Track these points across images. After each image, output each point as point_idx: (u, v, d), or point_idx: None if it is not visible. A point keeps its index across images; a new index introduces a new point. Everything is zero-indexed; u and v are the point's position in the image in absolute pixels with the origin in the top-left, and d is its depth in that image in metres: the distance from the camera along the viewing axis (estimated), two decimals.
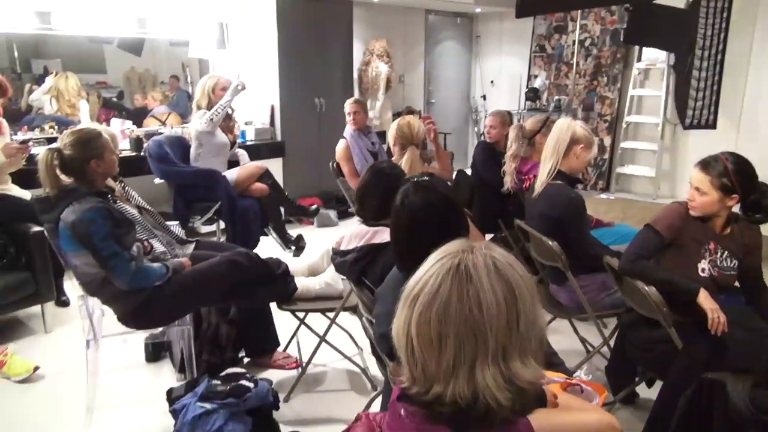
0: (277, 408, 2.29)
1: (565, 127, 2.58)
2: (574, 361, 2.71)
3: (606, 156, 6.82)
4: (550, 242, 2.44)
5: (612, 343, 2.58)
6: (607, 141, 6.80)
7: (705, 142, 6.15)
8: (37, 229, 3.15)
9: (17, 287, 3.13)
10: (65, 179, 2.23)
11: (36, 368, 2.80)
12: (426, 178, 1.56)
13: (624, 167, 6.75)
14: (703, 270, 2.10)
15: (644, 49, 6.36)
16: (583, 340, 2.96)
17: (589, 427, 1.54)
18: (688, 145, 6.41)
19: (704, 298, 1.97)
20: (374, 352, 2.31)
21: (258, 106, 5.50)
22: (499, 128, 3.84)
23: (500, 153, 3.68)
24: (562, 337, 3.04)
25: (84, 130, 2.30)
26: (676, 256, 2.11)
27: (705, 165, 2.06)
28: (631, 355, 2.28)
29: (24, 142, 3.46)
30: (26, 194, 3.37)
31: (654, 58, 6.30)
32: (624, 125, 6.65)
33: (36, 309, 3.34)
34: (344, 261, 2.12)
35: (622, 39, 6.42)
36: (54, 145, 2.26)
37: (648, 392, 2.55)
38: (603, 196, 6.66)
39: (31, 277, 3.19)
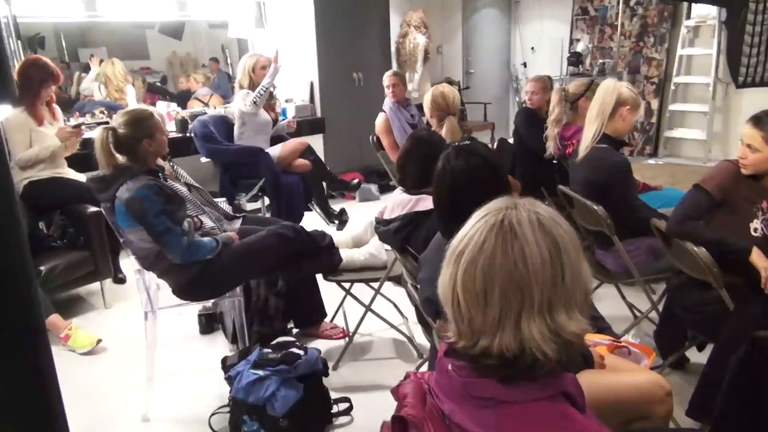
0: (327, 375, 2.36)
1: (610, 88, 2.51)
2: (622, 327, 2.68)
3: (653, 120, 6.60)
4: (595, 206, 2.40)
5: (660, 307, 2.54)
6: (655, 104, 6.58)
7: (760, 100, 5.85)
8: (93, 209, 3.29)
9: (77, 265, 3.29)
10: (119, 158, 2.33)
11: (99, 341, 2.96)
12: (467, 142, 1.56)
13: (672, 131, 6.53)
14: (755, 230, 2.03)
15: (693, 5, 6.09)
16: (630, 306, 2.92)
17: (638, 386, 1.55)
18: (742, 104, 6.14)
19: (757, 257, 1.92)
20: (420, 320, 2.35)
21: (297, 83, 5.54)
22: (541, 94, 3.77)
23: (542, 119, 3.62)
24: (609, 303, 3.00)
25: (137, 110, 2.39)
26: (727, 217, 2.05)
27: (757, 120, 1.98)
28: (681, 318, 2.24)
29: (77, 126, 3.59)
30: (81, 177, 3.52)
31: (704, 14, 6.03)
32: (672, 87, 6.42)
33: (95, 286, 3.51)
34: (387, 230, 2.15)
35: None
36: (109, 125, 2.36)
37: (698, 356, 2.51)
38: (651, 161, 6.47)
39: (90, 256, 3.35)
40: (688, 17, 6.21)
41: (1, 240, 0.75)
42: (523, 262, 0.87)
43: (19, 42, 4.05)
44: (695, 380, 2.33)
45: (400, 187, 2.27)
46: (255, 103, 3.80)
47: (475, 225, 0.92)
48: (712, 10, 5.90)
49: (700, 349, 2.46)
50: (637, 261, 2.49)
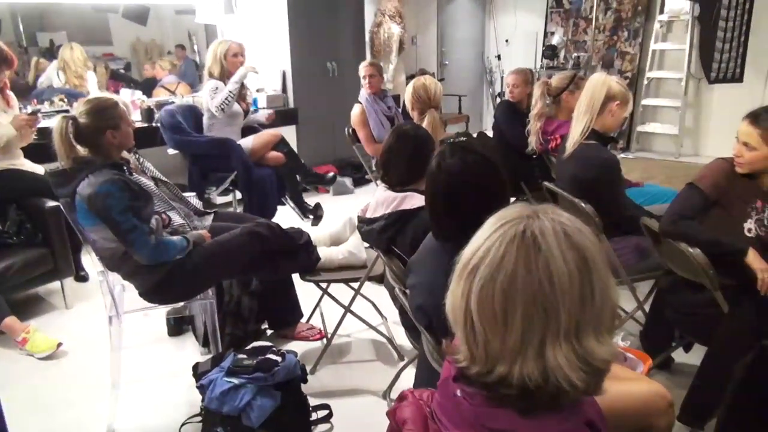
0: (305, 381, 2.24)
1: (600, 82, 2.44)
2: None
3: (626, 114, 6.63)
4: (583, 204, 2.33)
5: (647, 307, 2.49)
6: None
7: (731, 96, 5.95)
8: (52, 204, 3.09)
9: (36, 263, 3.09)
10: (80, 150, 2.15)
11: (59, 344, 2.78)
12: (463, 138, 1.45)
13: (645, 125, 6.56)
14: (749, 230, 1.99)
15: (667, 0, 6.11)
16: None
17: (640, 397, 1.47)
18: (713, 100, 6.21)
19: (753, 258, 1.87)
20: (404, 323, 2.25)
21: (269, 72, 5.35)
22: (522, 87, 3.69)
23: (523, 112, 3.54)
24: None
25: (100, 99, 2.20)
26: (721, 216, 2.00)
27: (755, 117, 1.93)
28: (671, 320, 2.19)
29: (33, 113, 3.37)
30: (39, 169, 3.30)
31: (678, 9, 6.05)
32: (645, 81, 6.44)
33: (56, 285, 3.30)
34: (371, 229, 2.04)
35: None
36: (69, 113, 2.17)
37: (684, 357, 2.48)
38: (623, 155, 6.49)
39: (49, 253, 3.15)
40: (662, 12, 6.22)
41: None
42: (549, 279, 0.76)
43: None
44: (681, 381, 2.30)
45: (383, 184, 2.15)
46: (222, 109, 3.65)
47: (492, 236, 0.81)
48: (685, 5, 5.92)
49: (687, 349, 2.42)
50: (624, 260, 2.44)
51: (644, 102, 6.49)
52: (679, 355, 2.50)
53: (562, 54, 6.79)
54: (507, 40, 7.58)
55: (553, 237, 0.78)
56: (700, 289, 1.96)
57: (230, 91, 3.66)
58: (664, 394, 1.48)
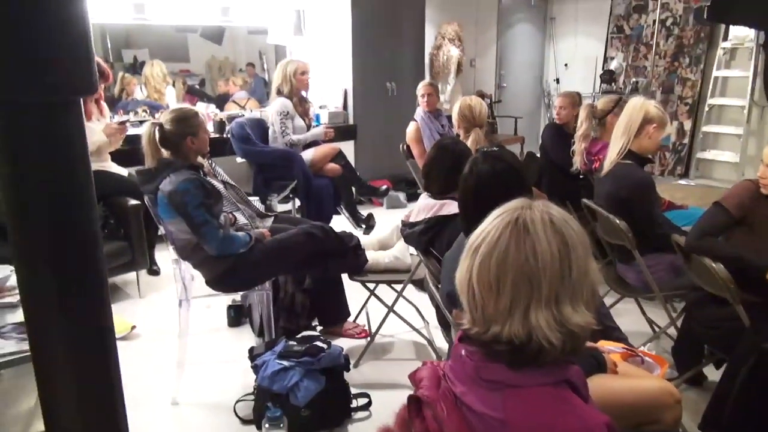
0: (348, 369, 2.45)
1: (638, 106, 2.57)
2: (641, 341, 2.71)
3: (686, 140, 6.57)
4: (618, 220, 2.46)
5: (679, 323, 2.57)
6: (688, 125, 6.55)
7: None
8: (134, 202, 3.45)
9: (116, 255, 3.44)
10: (164, 153, 2.47)
11: (133, 327, 3.11)
12: (495, 148, 1.65)
13: (705, 152, 6.48)
14: None
15: (731, 27, 6.06)
16: (650, 321, 2.95)
17: (648, 392, 1.60)
18: None
19: None
20: (440, 323, 2.43)
21: (332, 89, 5.68)
22: (569, 109, 3.83)
23: (569, 134, 3.67)
24: (629, 318, 3.03)
25: (183, 108, 2.54)
26: (746, 235, 2.09)
27: None
28: (697, 334, 2.28)
29: (122, 122, 3.77)
30: (123, 171, 3.69)
31: (742, 36, 5.99)
32: (706, 108, 6.37)
33: (131, 276, 3.67)
34: (413, 232, 2.24)
35: (705, 16, 6.15)
36: (156, 120, 2.51)
37: (716, 374, 2.53)
38: (682, 181, 6.43)
39: (128, 247, 3.50)
40: (725, 39, 6.18)
41: (80, 232, 0.86)
42: (534, 256, 0.95)
43: None
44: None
45: (425, 192, 2.36)
46: (293, 145, 4.02)
47: (492, 222, 1.01)
48: (749, 33, 5.87)
49: (718, 366, 2.48)
50: (658, 276, 2.53)
51: (705, 129, 6.42)
52: (712, 373, 2.55)
53: (621, 78, 6.82)
54: (566, 64, 7.67)
55: (540, 224, 0.97)
56: (724, 304, 2.05)
57: (300, 140, 4.01)
58: (672, 390, 1.60)
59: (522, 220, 0.98)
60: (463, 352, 1.06)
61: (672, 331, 2.66)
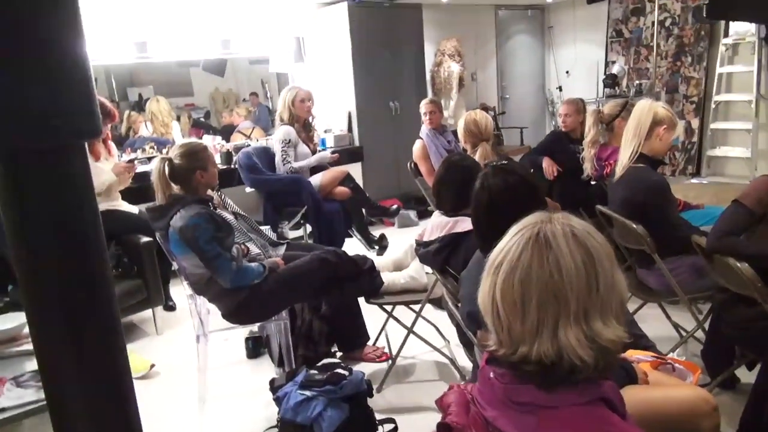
0: (371, 395, 2.40)
1: (646, 108, 2.54)
2: (668, 347, 2.64)
3: (695, 139, 6.51)
4: (634, 225, 2.41)
5: (707, 326, 2.50)
6: (695, 123, 6.49)
7: None
8: (146, 239, 3.45)
9: (131, 294, 3.44)
10: (174, 187, 2.47)
11: (152, 365, 3.08)
12: (505, 162, 1.62)
13: (715, 149, 6.41)
14: None
15: (731, 23, 6.03)
16: (675, 326, 2.88)
17: (683, 401, 1.55)
18: None
19: None
20: (462, 342, 2.39)
21: (336, 113, 5.70)
22: (574, 116, 3.81)
23: (575, 140, 3.66)
24: (653, 323, 2.96)
25: (192, 143, 2.55)
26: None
27: None
28: (727, 336, 2.21)
29: (130, 161, 3.80)
30: (134, 209, 3.70)
31: (743, 31, 5.96)
32: (713, 105, 6.32)
33: (147, 313, 3.65)
34: (427, 251, 2.21)
35: (704, 14, 6.12)
36: (165, 155, 2.51)
37: (749, 376, 2.45)
38: (694, 180, 6.35)
39: (143, 284, 3.50)
40: (726, 35, 6.15)
41: (91, 271, 0.85)
42: (558, 271, 0.92)
43: None
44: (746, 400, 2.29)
45: (438, 210, 2.33)
46: (294, 172, 4.02)
47: (513, 238, 0.98)
48: (750, 28, 5.84)
49: (751, 368, 2.40)
50: (680, 279, 2.48)
51: (713, 126, 6.37)
52: (745, 375, 2.48)
53: (624, 82, 6.79)
54: (567, 72, 7.66)
55: (563, 237, 0.94)
56: (753, 303, 1.99)
57: (302, 166, 4.01)
58: (708, 398, 1.55)
59: (543, 234, 0.95)
60: (491, 375, 1.02)
61: (699, 334, 2.59)
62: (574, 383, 0.93)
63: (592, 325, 0.92)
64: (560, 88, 7.67)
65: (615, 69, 6.69)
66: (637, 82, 6.61)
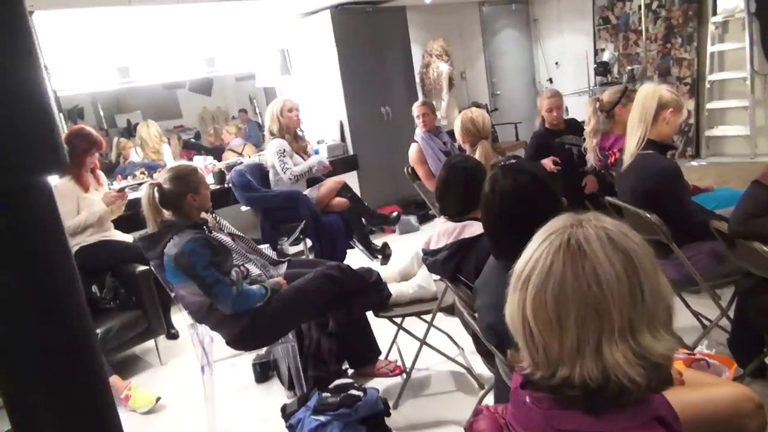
0: (389, 414, 2.30)
1: (650, 92, 2.44)
2: (692, 338, 2.55)
3: (691, 120, 6.42)
4: (648, 214, 2.31)
5: (731, 314, 2.40)
6: (691, 104, 6.40)
7: None
8: (142, 268, 3.34)
9: (131, 325, 3.32)
10: (165, 213, 2.36)
11: (158, 399, 2.97)
12: (513, 160, 1.52)
13: (713, 129, 6.33)
14: None
15: (719, 0, 5.96)
16: (696, 314, 2.78)
17: (724, 402, 1.44)
18: None
19: None
20: (478, 350, 2.28)
21: (327, 123, 5.61)
22: (561, 108, 3.75)
23: (557, 133, 3.64)
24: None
25: (181, 166, 2.44)
26: None
27: None
28: (755, 323, 2.11)
29: (121, 189, 3.69)
30: (128, 238, 3.59)
31: (731, 8, 5.87)
32: (707, 85, 6.24)
33: (150, 344, 3.54)
34: (436, 260, 2.10)
35: None
36: (154, 180, 2.40)
37: None
38: (694, 162, 6.27)
39: (143, 314, 3.38)
40: (715, 13, 6.07)
41: (63, 306, 0.75)
42: (597, 282, 0.81)
43: (60, 114, 4.22)
44: None
45: (442, 216, 2.23)
46: (296, 181, 3.89)
47: (540, 247, 0.87)
48: (739, 3, 5.76)
49: None
50: (700, 266, 2.37)
51: (709, 106, 6.28)
52: None
53: (615, 69, 6.71)
54: (557, 63, 7.58)
55: (597, 242, 0.83)
56: None
57: (302, 171, 3.90)
58: (751, 396, 1.44)
59: (574, 240, 0.84)
60: (527, 399, 0.91)
61: (724, 322, 2.49)
62: (624, 405, 0.83)
63: (640, 340, 0.81)
64: (551, 80, 7.58)
65: (605, 56, 6.61)
66: (629, 67, 6.53)
